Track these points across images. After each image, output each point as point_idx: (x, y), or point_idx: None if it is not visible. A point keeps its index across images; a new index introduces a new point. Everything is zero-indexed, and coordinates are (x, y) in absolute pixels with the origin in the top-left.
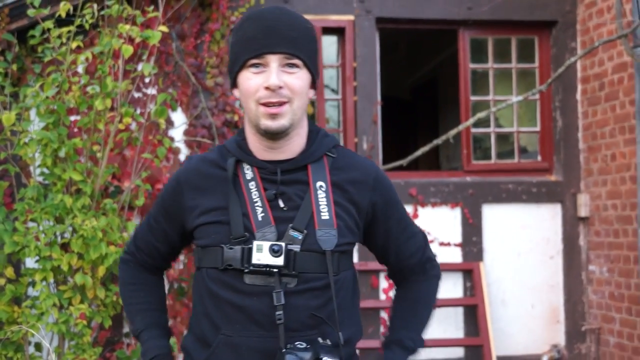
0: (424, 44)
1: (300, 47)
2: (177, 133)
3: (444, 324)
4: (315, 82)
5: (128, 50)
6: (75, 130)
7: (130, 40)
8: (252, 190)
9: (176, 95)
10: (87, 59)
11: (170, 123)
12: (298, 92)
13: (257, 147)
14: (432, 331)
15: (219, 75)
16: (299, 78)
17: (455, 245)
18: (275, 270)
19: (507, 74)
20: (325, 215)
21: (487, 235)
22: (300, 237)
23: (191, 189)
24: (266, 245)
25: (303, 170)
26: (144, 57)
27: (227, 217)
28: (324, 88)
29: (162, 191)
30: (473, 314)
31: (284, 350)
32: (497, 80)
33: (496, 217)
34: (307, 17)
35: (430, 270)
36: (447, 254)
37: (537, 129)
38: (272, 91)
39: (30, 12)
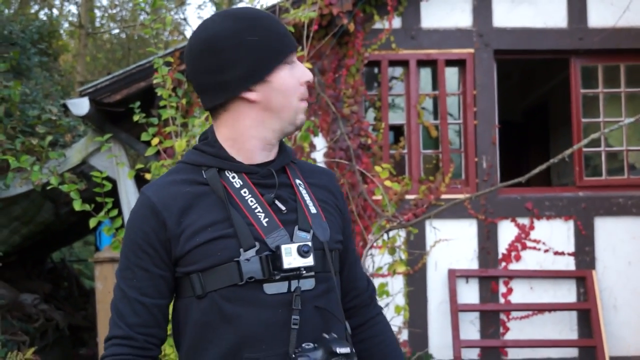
0: (536, 71)
1: None
2: (319, 155)
3: (559, 326)
4: None
5: None
6: None
7: None
8: (246, 198)
9: (318, 122)
10: None
11: (312, 147)
12: None
13: (251, 152)
14: (548, 332)
15: (354, 104)
16: None
17: (569, 254)
18: (304, 272)
19: (616, 97)
20: (313, 210)
21: (599, 246)
22: (308, 237)
23: (173, 213)
24: (294, 247)
25: (283, 173)
26: None
27: (230, 229)
28: (447, 114)
29: (132, 241)
30: (586, 317)
31: (293, 355)
32: (607, 104)
33: (607, 228)
34: (432, 51)
35: (378, 305)
36: (561, 262)
37: None
38: (308, 86)
39: None
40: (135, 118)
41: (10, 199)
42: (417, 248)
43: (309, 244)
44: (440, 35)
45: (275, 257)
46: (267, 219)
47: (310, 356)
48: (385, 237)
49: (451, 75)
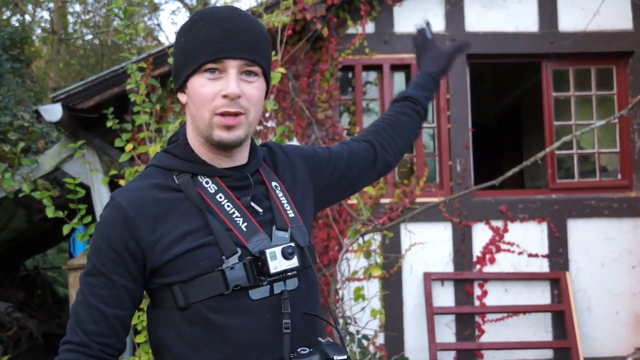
0: (508, 74)
1: (260, 53)
2: None
3: (534, 328)
4: (267, 93)
5: None
6: None
7: None
8: (222, 203)
9: (292, 127)
10: None
11: None
12: (256, 103)
13: (211, 157)
14: (522, 334)
15: (328, 108)
16: (257, 88)
17: (543, 256)
18: (290, 273)
19: (587, 100)
20: (291, 213)
21: (572, 248)
22: (287, 237)
23: (148, 220)
24: (278, 250)
25: (257, 173)
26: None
27: (209, 237)
28: None
29: (98, 248)
30: (561, 319)
31: None
32: (578, 107)
33: (580, 230)
34: (405, 55)
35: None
36: (535, 264)
37: (617, 149)
38: (231, 100)
39: (171, 60)
40: (109, 124)
41: None
42: (392, 252)
43: (292, 244)
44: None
45: (260, 262)
46: (245, 224)
47: None
48: (360, 241)
49: None
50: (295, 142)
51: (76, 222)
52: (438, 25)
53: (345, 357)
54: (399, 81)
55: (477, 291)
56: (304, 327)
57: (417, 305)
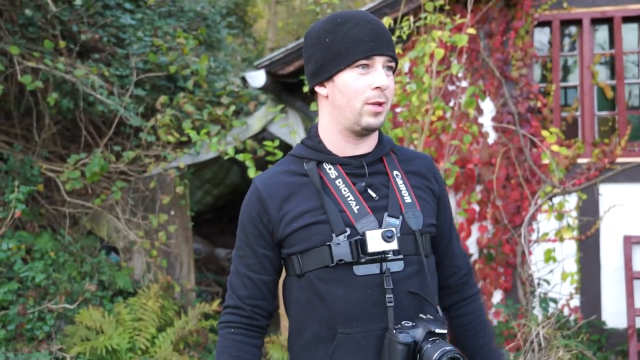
0: None
1: (394, 51)
2: (486, 119)
3: None
4: None
5: (440, 53)
6: (399, 121)
7: (443, 43)
8: (340, 187)
9: (484, 87)
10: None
11: (479, 111)
12: (392, 94)
13: (340, 144)
14: None
15: (523, 67)
16: (393, 82)
17: None
18: (388, 255)
19: None
20: (408, 199)
21: None
22: (397, 223)
23: (276, 200)
24: (377, 233)
25: (380, 163)
26: (454, 58)
27: (323, 216)
28: (624, 71)
29: (242, 223)
30: None
31: (394, 330)
32: None
33: None
34: (607, 8)
35: (474, 285)
36: None
37: None
38: (381, 91)
39: None
40: (305, 89)
41: (201, 164)
42: (590, 213)
43: (393, 229)
44: None
45: (362, 241)
46: (357, 207)
47: (410, 333)
48: (551, 202)
49: (628, 31)
50: (488, 101)
51: None
52: None
53: (445, 331)
54: (600, 36)
55: None
56: (409, 306)
57: (616, 269)
